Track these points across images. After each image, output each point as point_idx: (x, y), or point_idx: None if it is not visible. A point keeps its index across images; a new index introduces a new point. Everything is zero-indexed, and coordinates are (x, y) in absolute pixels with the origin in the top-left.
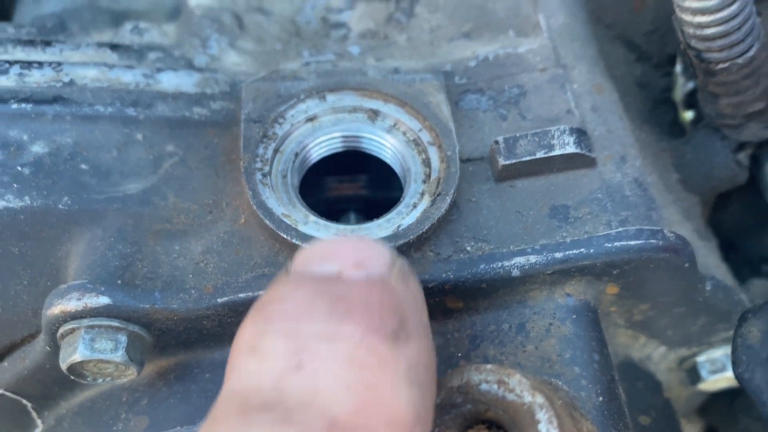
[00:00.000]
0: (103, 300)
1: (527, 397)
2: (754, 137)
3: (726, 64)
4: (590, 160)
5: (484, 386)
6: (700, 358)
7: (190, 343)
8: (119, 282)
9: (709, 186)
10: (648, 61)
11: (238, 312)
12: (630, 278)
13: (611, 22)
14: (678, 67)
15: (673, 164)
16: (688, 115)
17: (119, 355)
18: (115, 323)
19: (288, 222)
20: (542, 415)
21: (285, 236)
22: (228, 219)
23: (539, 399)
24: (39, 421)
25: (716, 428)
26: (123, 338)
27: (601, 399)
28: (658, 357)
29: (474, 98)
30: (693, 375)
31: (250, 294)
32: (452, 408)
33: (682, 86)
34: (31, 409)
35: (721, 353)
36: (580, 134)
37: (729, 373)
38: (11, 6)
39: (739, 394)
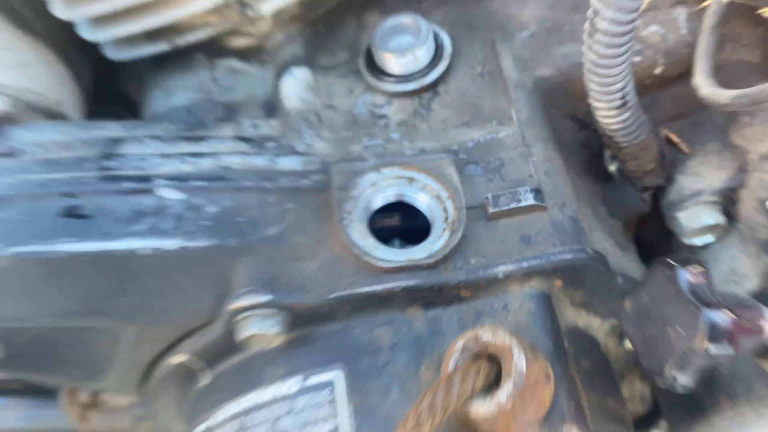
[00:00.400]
0: (266, 297)
1: (507, 339)
2: (651, 184)
3: (627, 144)
4: (543, 208)
5: (486, 336)
6: None
7: (310, 321)
8: (271, 287)
9: (625, 214)
10: (588, 128)
11: (339, 301)
12: (569, 276)
13: (561, 106)
14: None
15: (602, 201)
16: (613, 167)
17: (275, 330)
18: (270, 311)
19: (365, 249)
20: (516, 348)
21: (366, 259)
22: (329, 249)
23: (514, 340)
24: (201, 378)
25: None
26: (277, 319)
27: (551, 343)
28: (597, 325)
29: (472, 168)
30: (621, 337)
31: (348, 291)
32: (466, 350)
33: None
34: (197, 370)
35: None
36: (537, 192)
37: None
38: (143, 100)
39: None
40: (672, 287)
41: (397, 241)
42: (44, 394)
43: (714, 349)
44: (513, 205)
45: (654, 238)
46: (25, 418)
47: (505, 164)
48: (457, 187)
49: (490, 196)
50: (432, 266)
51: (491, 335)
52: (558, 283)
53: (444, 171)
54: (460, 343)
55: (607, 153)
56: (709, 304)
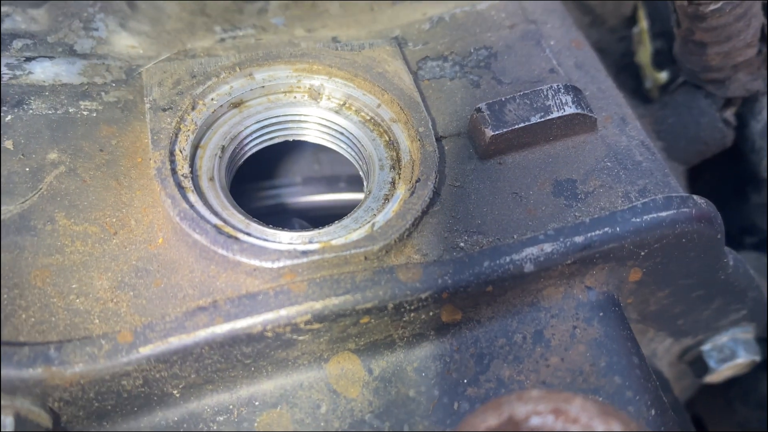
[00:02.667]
0: None
1: (598, 427)
2: (742, 91)
3: (718, 4)
4: (592, 122)
5: (534, 420)
6: (706, 347)
7: (105, 413)
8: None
9: (696, 151)
10: (603, 26)
11: (169, 363)
12: (657, 259)
13: None
14: (639, 26)
15: (655, 131)
16: (662, 75)
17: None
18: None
19: (225, 233)
20: None
21: (224, 252)
22: (141, 240)
23: (616, 427)
24: None
25: (702, 419)
26: (8, 421)
27: (653, 412)
28: (663, 351)
29: (436, 65)
30: (698, 367)
31: (184, 337)
32: None
33: (649, 45)
34: None
35: (727, 338)
36: (577, 92)
37: (739, 360)
38: None
39: (733, 383)
40: None
41: (296, 223)
42: None
43: None
44: (535, 119)
45: (714, 196)
46: None
47: (498, 54)
48: (413, 96)
49: (484, 107)
50: (375, 258)
51: (552, 416)
52: (635, 275)
53: (383, 69)
54: (483, 427)
55: (648, 50)
56: None
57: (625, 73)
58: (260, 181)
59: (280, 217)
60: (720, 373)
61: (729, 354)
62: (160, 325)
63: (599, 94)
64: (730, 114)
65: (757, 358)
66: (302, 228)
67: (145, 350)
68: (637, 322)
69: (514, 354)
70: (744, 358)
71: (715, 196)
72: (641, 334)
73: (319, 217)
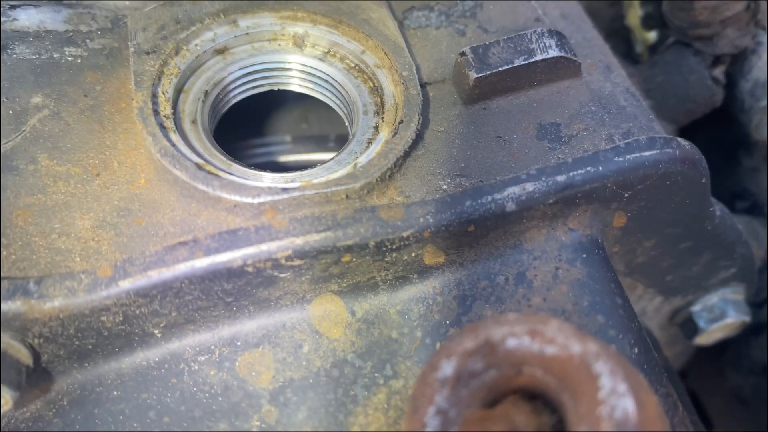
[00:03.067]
0: None
1: (575, 346)
2: (730, 48)
3: None
4: (576, 67)
5: (511, 342)
6: (696, 308)
7: (86, 353)
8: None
9: (685, 110)
10: None
11: (149, 298)
12: (641, 203)
13: None
14: None
15: (643, 90)
16: (651, 36)
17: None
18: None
19: (206, 170)
20: (602, 366)
21: (205, 188)
22: (123, 181)
23: (592, 346)
24: None
25: (696, 391)
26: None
27: (636, 350)
28: (653, 310)
29: (422, 15)
30: (688, 328)
31: (163, 271)
32: (471, 378)
33: (638, 7)
34: None
35: (717, 299)
36: (561, 37)
37: (728, 320)
38: None
39: (725, 348)
40: None
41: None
42: None
43: None
44: (519, 62)
45: (715, 154)
46: None
47: (483, 4)
48: (398, 42)
49: (468, 50)
50: (356, 197)
51: (528, 337)
52: (620, 220)
53: (367, 16)
54: (459, 350)
55: (638, 13)
56: None
57: (616, 37)
58: (248, 138)
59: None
60: (710, 333)
61: (719, 314)
62: (139, 260)
63: (584, 42)
64: (719, 72)
65: (747, 318)
66: None
67: (125, 283)
68: (625, 275)
69: (496, 295)
70: (734, 318)
71: (707, 160)
72: (630, 289)
73: None
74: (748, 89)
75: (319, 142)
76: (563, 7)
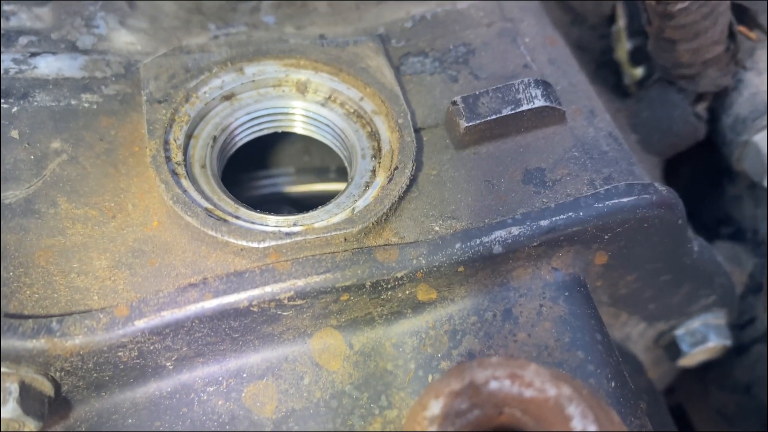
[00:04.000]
0: None
1: (550, 390)
2: (712, 86)
3: (685, 3)
4: (560, 114)
5: (493, 384)
6: (679, 332)
7: (103, 384)
8: (2, 315)
9: (668, 144)
10: (583, 24)
11: (162, 336)
12: (621, 243)
13: None
14: (618, 25)
15: (630, 125)
16: (638, 71)
17: (10, 409)
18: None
19: (215, 216)
20: (574, 409)
21: (214, 233)
22: (137, 223)
23: (566, 390)
24: None
25: (684, 406)
26: (13, 387)
27: (613, 384)
28: (637, 335)
29: (417, 61)
30: (672, 350)
31: (176, 311)
32: (457, 417)
33: (626, 42)
34: None
35: (699, 323)
36: (546, 86)
37: (710, 344)
38: None
39: (710, 368)
40: None
41: (286, 210)
42: None
43: None
44: (506, 112)
45: (690, 188)
46: None
47: (476, 51)
48: (394, 90)
49: (459, 99)
50: (354, 240)
51: (509, 380)
52: (601, 258)
53: (366, 64)
54: (446, 391)
55: (625, 48)
56: None
57: (605, 69)
58: (254, 171)
59: (272, 205)
60: (692, 356)
61: (700, 338)
62: (154, 300)
63: (570, 88)
64: (701, 108)
65: (728, 342)
66: (290, 214)
67: (140, 323)
68: (609, 305)
69: (484, 330)
70: (715, 342)
71: (692, 188)
72: (614, 317)
73: (310, 206)
74: (729, 124)
75: (321, 173)
76: (551, 53)
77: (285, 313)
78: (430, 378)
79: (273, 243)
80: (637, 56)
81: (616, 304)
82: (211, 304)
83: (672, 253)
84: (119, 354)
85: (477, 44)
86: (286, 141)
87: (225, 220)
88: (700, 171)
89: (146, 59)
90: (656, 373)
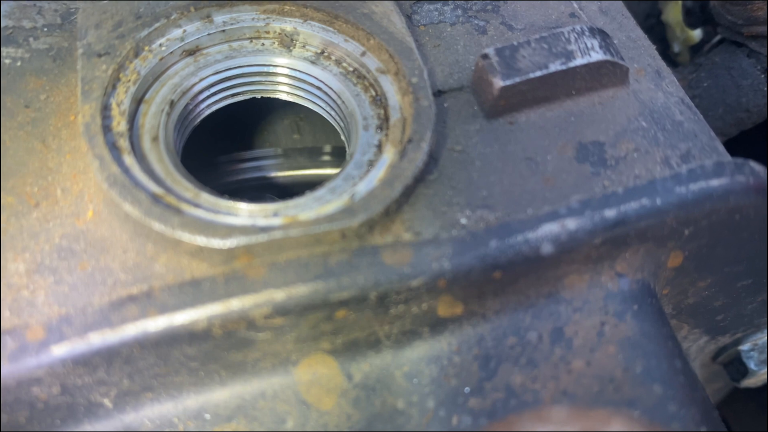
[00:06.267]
0: None
1: None
2: None
3: None
4: (623, 73)
5: None
6: (744, 347)
7: (18, 426)
8: None
9: (735, 120)
10: None
11: (91, 367)
12: (702, 240)
13: None
14: None
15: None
16: (695, 34)
17: None
18: None
19: (166, 203)
20: None
21: (161, 227)
22: (67, 213)
23: None
24: None
25: (728, 422)
26: None
27: (704, 429)
28: (696, 351)
29: (434, 8)
30: (736, 369)
31: (108, 334)
32: None
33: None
34: None
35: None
36: (604, 36)
37: None
38: None
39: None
40: None
41: (270, 200)
42: None
43: None
44: (555, 67)
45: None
46: None
47: None
48: (406, 42)
49: (492, 52)
50: (354, 237)
51: None
52: (675, 260)
53: (369, 10)
54: None
55: (681, 5)
56: None
57: (649, 35)
58: (232, 152)
59: (253, 193)
60: (760, 376)
61: None
62: (79, 318)
63: (629, 43)
64: None
65: None
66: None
67: (59, 350)
68: (671, 317)
69: (527, 356)
70: None
71: None
72: (674, 331)
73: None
74: None
75: (313, 155)
76: (602, 1)
77: (260, 336)
78: (454, 420)
79: (243, 240)
80: (691, 18)
81: (680, 316)
82: (156, 324)
83: (758, 253)
84: (34, 391)
85: None
86: (271, 113)
87: (178, 210)
88: (762, 155)
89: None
90: (709, 391)
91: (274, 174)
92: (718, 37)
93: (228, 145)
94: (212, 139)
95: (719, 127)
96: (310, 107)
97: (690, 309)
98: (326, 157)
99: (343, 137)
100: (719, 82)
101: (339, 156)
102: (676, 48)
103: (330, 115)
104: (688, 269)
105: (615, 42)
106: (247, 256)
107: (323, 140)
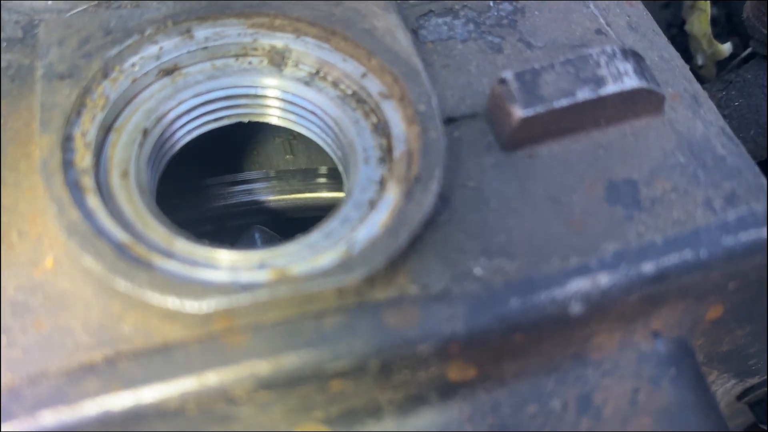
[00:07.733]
0: None
1: None
2: None
3: None
4: (659, 101)
5: None
6: None
7: None
8: None
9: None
10: None
11: None
12: (747, 293)
13: None
14: None
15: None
16: (725, 48)
17: None
18: None
19: (134, 256)
20: None
21: (127, 285)
22: (23, 261)
23: None
24: None
25: None
26: None
27: None
28: (723, 393)
29: (443, 22)
30: (764, 411)
31: (64, 412)
32: None
33: (708, 9)
34: None
35: None
36: (638, 59)
37: None
38: None
39: None
40: None
41: (257, 235)
42: None
43: None
44: (584, 95)
45: None
46: None
47: (525, 10)
48: (412, 62)
49: (510, 76)
50: (353, 294)
51: None
52: (714, 312)
53: (371, 25)
54: None
55: (708, 15)
56: None
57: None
58: (219, 175)
59: (241, 220)
60: None
61: None
62: (30, 390)
63: (662, 64)
64: None
65: None
66: (262, 241)
67: (6, 430)
68: (701, 365)
69: (550, 427)
70: None
71: None
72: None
73: (292, 221)
74: None
75: (308, 178)
76: (630, 15)
77: (242, 411)
78: None
79: (222, 303)
80: (718, 29)
81: (710, 363)
82: (120, 401)
83: None
84: None
85: (526, 2)
86: (261, 132)
87: (148, 263)
88: None
89: (51, 19)
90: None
91: (264, 198)
92: (748, 50)
93: (214, 167)
94: (197, 160)
95: (751, 150)
96: (304, 133)
97: (722, 356)
98: (321, 180)
99: (340, 169)
100: (752, 102)
101: (335, 178)
102: (700, 60)
103: (326, 143)
104: (726, 320)
105: (648, 63)
106: (227, 318)
107: (318, 161)
